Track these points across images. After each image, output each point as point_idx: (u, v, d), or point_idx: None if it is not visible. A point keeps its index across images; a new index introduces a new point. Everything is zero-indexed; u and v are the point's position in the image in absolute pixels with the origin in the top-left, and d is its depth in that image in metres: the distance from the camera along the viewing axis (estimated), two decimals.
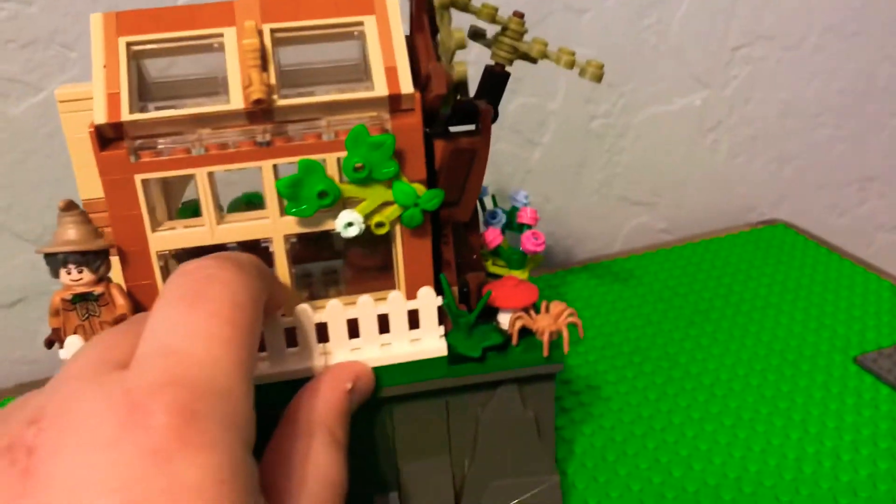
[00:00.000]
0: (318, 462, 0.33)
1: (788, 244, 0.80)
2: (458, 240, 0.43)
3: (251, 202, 0.47)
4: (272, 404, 0.37)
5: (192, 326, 0.28)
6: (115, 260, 0.38)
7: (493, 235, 0.45)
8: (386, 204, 0.39)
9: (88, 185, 0.40)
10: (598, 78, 0.40)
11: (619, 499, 0.51)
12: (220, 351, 0.28)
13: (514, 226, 0.47)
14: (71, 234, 0.36)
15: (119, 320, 0.37)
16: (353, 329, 0.41)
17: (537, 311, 0.43)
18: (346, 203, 0.39)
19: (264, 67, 0.36)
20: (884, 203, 0.97)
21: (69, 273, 0.37)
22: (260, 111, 0.37)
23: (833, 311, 0.69)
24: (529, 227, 0.47)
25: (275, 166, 0.38)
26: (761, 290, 0.72)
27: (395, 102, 0.38)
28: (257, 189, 0.46)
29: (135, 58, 0.38)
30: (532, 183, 0.79)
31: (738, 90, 0.84)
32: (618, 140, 0.81)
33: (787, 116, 0.88)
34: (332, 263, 0.46)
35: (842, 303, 0.70)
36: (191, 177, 0.38)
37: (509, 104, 0.74)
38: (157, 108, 0.39)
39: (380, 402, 0.42)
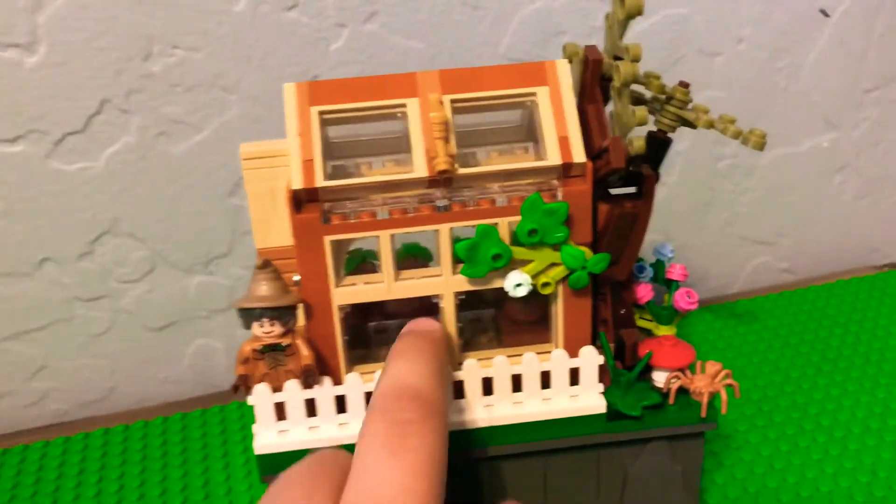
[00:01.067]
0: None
1: None
2: (614, 297, 0.44)
3: (410, 253, 0.50)
4: None
5: (394, 479, 0.30)
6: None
7: (644, 291, 0.46)
8: (553, 265, 0.41)
9: (264, 236, 0.43)
10: (761, 147, 0.41)
11: None
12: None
13: (660, 279, 0.48)
14: (265, 290, 0.39)
15: (305, 371, 0.40)
16: (514, 384, 0.43)
17: (693, 372, 0.44)
18: (514, 264, 0.41)
19: (447, 139, 0.39)
20: None
21: (262, 326, 0.40)
22: (441, 179, 0.39)
23: None
24: (678, 283, 0.47)
25: (451, 229, 0.40)
26: (891, 339, 0.71)
27: (567, 170, 0.40)
28: (412, 241, 0.49)
29: (324, 125, 0.41)
30: (655, 221, 0.79)
31: (869, 132, 0.83)
32: (743, 180, 0.81)
33: None
34: (479, 312, 0.48)
35: None
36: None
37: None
38: (335, 167, 0.42)
39: (536, 453, 0.44)
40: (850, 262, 0.88)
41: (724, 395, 0.43)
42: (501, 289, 0.41)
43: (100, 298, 0.67)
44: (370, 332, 0.47)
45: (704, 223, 0.82)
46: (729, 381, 0.43)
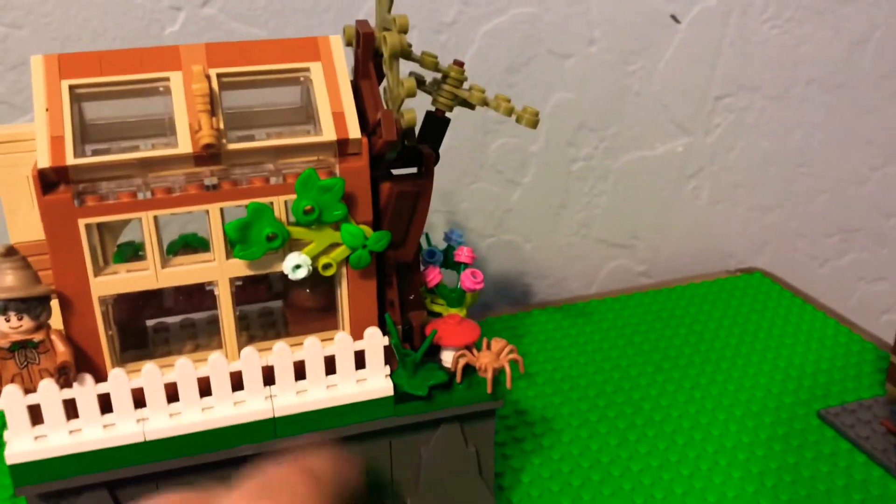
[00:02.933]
0: None
1: (764, 293, 0.80)
2: (401, 280, 0.44)
3: (188, 244, 0.47)
4: (217, 450, 0.39)
5: None
6: (54, 304, 0.38)
7: (432, 274, 0.46)
8: (333, 245, 0.40)
9: (19, 229, 0.40)
10: (534, 124, 0.42)
11: None
12: None
13: (450, 264, 0.48)
14: (10, 281, 0.35)
15: (61, 367, 0.37)
16: (299, 371, 0.41)
17: (479, 349, 0.44)
18: (293, 245, 0.39)
19: (213, 112, 0.37)
20: (866, 255, 0.97)
21: (8, 321, 0.36)
22: (208, 155, 0.37)
23: (801, 363, 0.69)
24: (467, 265, 0.47)
25: (221, 210, 0.38)
26: (732, 338, 0.73)
27: (342, 147, 0.39)
28: (191, 230, 0.47)
29: (77, 100, 0.38)
30: (512, 222, 0.80)
31: (721, 138, 0.85)
32: (598, 183, 0.82)
33: (770, 165, 0.88)
34: (268, 305, 0.46)
35: (811, 355, 0.70)
36: (128, 220, 0.38)
37: (491, 144, 0.75)
38: (95, 151, 0.39)
39: (324, 441, 0.42)
40: (707, 267, 0.90)
41: (508, 370, 0.43)
42: (287, 277, 0.40)
43: None
44: (148, 330, 0.45)
45: (561, 225, 0.82)
46: (513, 356, 0.43)
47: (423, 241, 0.49)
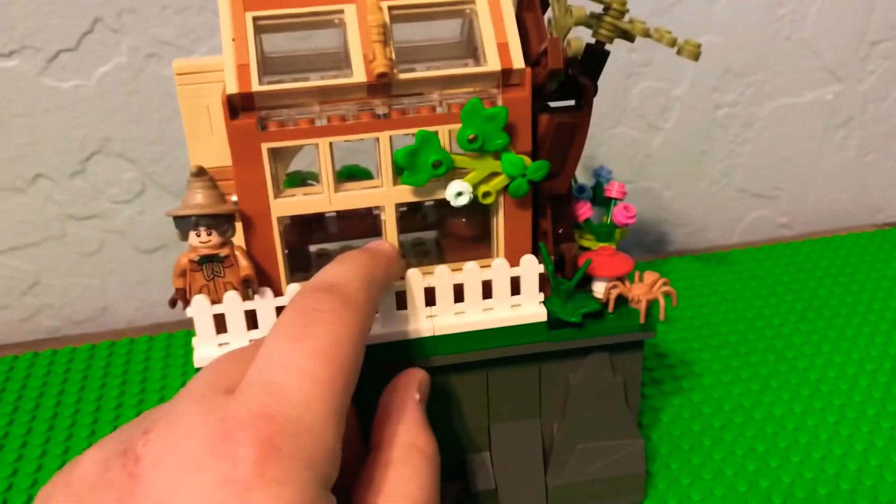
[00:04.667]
0: (411, 491, 0.34)
1: None
2: (555, 212, 0.44)
3: (352, 175, 0.48)
4: (381, 362, 0.40)
5: (292, 363, 0.30)
6: (238, 225, 0.40)
7: (583, 209, 0.46)
8: (493, 175, 0.41)
9: (200, 155, 0.42)
10: (696, 56, 0.42)
11: (700, 466, 0.52)
12: (312, 391, 0.29)
13: (600, 200, 0.48)
14: (200, 199, 0.38)
15: (244, 281, 0.39)
16: (457, 295, 0.43)
17: (631, 282, 0.44)
18: (455, 174, 0.41)
19: (386, 43, 0.38)
20: None
21: (198, 235, 0.38)
22: (380, 85, 0.39)
23: None
24: (618, 200, 0.47)
25: (390, 138, 0.40)
26: (880, 292, 0.71)
27: (506, 77, 0.40)
28: (353, 162, 0.49)
29: (259, 31, 0.39)
30: (652, 168, 0.79)
31: (875, 85, 0.81)
32: (742, 130, 0.80)
33: None
34: (421, 236, 0.48)
35: None
36: (298, 149, 0.40)
37: (634, 87, 0.75)
38: (272, 82, 0.40)
39: (478, 364, 0.44)
40: (852, 221, 0.87)
41: (662, 301, 0.43)
42: (445, 210, 0.42)
43: (91, 218, 0.69)
44: (311, 256, 0.47)
45: (702, 173, 0.81)
46: (667, 288, 0.43)
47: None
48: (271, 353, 0.31)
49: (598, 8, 0.43)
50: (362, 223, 0.45)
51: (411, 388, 0.38)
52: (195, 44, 0.64)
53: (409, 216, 0.47)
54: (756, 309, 0.69)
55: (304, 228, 0.46)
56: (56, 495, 0.29)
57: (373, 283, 0.36)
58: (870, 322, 0.66)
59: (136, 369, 0.64)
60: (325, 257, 0.45)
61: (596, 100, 0.61)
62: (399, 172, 0.40)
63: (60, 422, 0.58)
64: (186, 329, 0.68)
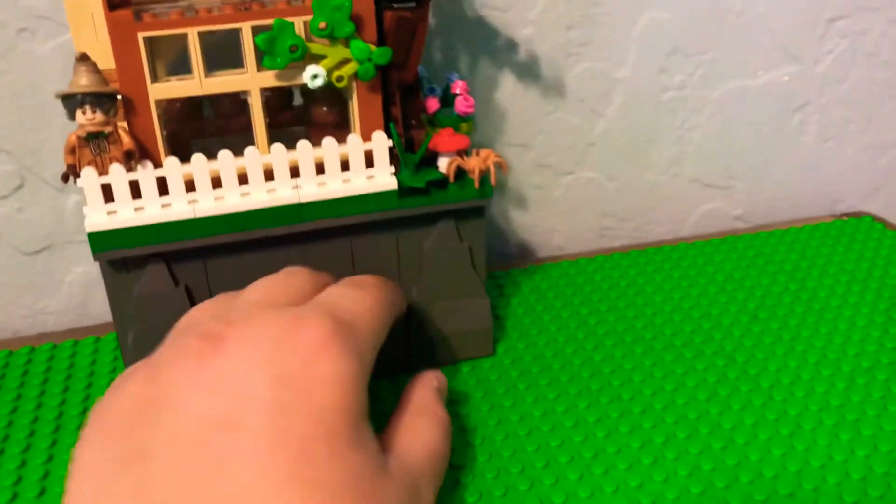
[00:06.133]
0: (424, 436, 0.42)
1: (875, 239, 0.72)
2: (405, 103, 0.51)
3: None
4: (259, 227, 0.49)
5: (348, 294, 0.42)
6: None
7: (432, 103, 0.53)
8: (345, 62, 0.48)
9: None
10: None
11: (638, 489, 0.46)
12: (364, 314, 0.40)
13: (449, 99, 0.54)
14: (85, 81, 0.44)
15: (126, 153, 0.46)
16: (319, 169, 0.50)
17: (468, 156, 0.52)
18: (311, 60, 0.47)
19: None
20: None
21: (84, 113, 0.44)
22: None
23: None
24: (458, 94, 0.54)
25: (252, 28, 0.46)
26: (838, 287, 0.65)
27: None
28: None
29: None
30: (594, 157, 0.73)
31: (833, 66, 0.76)
32: (692, 115, 0.74)
33: (888, 98, 0.79)
34: (292, 130, 0.53)
35: None
36: (179, 44, 0.46)
37: (572, 69, 0.69)
38: None
39: (342, 230, 0.51)
40: (812, 212, 0.82)
41: (493, 170, 0.51)
42: (309, 101, 0.51)
43: None
44: (192, 146, 0.51)
45: (648, 162, 0.75)
46: (497, 159, 0.51)
47: (424, 78, 0.56)
48: (338, 290, 0.42)
49: None
50: (237, 119, 0.51)
51: (431, 379, 0.47)
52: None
53: (280, 111, 0.53)
54: (703, 308, 0.63)
55: (181, 121, 0.51)
56: (136, 370, 0.37)
57: (384, 307, 0.45)
58: (826, 320, 0.61)
59: (9, 386, 0.57)
60: (204, 150, 0.49)
61: (532, 82, 0.68)
62: (261, 58, 0.47)
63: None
64: (75, 339, 0.61)
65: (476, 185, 0.52)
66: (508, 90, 0.68)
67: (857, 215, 0.76)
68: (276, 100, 0.52)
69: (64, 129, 0.60)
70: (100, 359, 0.60)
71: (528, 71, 0.68)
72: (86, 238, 0.62)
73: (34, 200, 0.62)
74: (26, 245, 0.63)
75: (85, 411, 0.54)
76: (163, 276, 0.50)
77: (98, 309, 0.67)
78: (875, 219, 0.75)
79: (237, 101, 0.50)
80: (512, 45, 0.67)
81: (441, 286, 0.55)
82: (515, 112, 0.69)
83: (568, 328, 0.61)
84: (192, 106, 0.51)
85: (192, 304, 0.50)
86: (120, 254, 0.48)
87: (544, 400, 0.54)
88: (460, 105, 0.53)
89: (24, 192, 0.62)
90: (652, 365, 0.57)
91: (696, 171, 0.77)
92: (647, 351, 0.58)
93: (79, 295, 0.66)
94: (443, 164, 0.52)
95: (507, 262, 0.72)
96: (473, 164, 0.52)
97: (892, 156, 0.82)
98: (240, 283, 0.45)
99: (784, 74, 0.75)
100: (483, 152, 0.52)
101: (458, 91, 0.54)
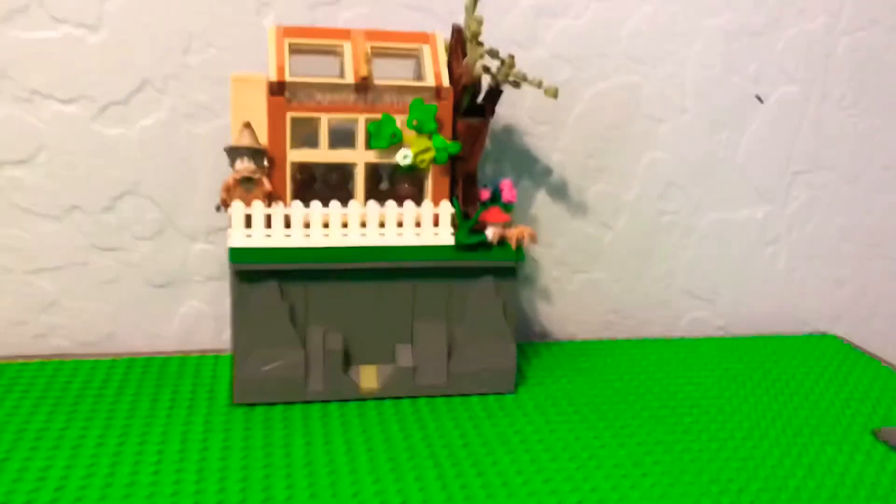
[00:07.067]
0: None
1: (833, 350, 0.87)
2: (465, 186, 0.72)
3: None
4: (347, 262, 0.67)
5: None
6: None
7: (485, 193, 0.73)
8: (427, 150, 0.68)
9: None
10: (554, 94, 0.71)
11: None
12: None
13: (496, 196, 0.73)
14: (246, 140, 0.65)
15: (267, 196, 0.66)
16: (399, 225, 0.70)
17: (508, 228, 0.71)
18: (402, 146, 0.68)
19: (369, 62, 0.68)
20: None
21: (242, 162, 0.65)
22: (362, 85, 0.68)
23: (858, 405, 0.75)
24: (509, 204, 0.73)
25: (366, 119, 0.68)
26: (797, 396, 0.77)
27: (438, 91, 0.69)
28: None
29: (291, 51, 0.69)
30: (603, 261, 0.91)
31: (799, 210, 0.95)
32: (683, 237, 0.92)
33: (844, 241, 0.97)
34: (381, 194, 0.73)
35: (869, 402, 0.76)
36: (313, 124, 0.67)
37: (590, 189, 0.88)
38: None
39: (409, 272, 0.69)
40: (782, 329, 0.98)
41: (526, 240, 0.70)
42: (393, 176, 0.72)
43: (113, 250, 0.79)
44: (307, 195, 0.70)
45: (647, 271, 0.93)
46: (531, 232, 0.70)
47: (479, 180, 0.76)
48: None
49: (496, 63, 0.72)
50: (339, 191, 0.71)
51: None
52: (225, 110, 0.77)
53: (373, 188, 0.72)
54: (684, 395, 0.78)
55: (307, 178, 0.71)
56: None
57: None
58: (780, 422, 0.75)
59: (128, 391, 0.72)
60: (315, 196, 0.70)
61: (557, 196, 0.94)
62: (368, 141, 0.68)
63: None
64: (184, 354, 0.78)
65: (514, 247, 0.70)
66: (539, 199, 0.87)
67: (824, 335, 0.92)
68: (370, 181, 0.71)
69: (203, 193, 0.79)
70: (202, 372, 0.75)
71: (556, 186, 0.87)
72: (202, 278, 0.81)
73: (169, 244, 0.80)
74: (155, 279, 0.81)
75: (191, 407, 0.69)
76: (275, 291, 0.67)
77: (201, 338, 0.83)
78: (839, 338, 0.91)
79: (342, 176, 0.70)
80: (544, 166, 0.86)
81: (479, 329, 0.71)
82: (544, 218, 0.88)
83: (574, 385, 0.76)
84: (310, 175, 0.71)
85: (293, 318, 0.67)
86: (248, 266, 0.65)
87: (549, 435, 0.67)
88: (506, 193, 0.73)
89: (163, 237, 0.80)
90: (641, 433, 0.68)
91: (686, 283, 0.94)
92: (636, 424, 0.70)
93: (188, 325, 0.83)
94: (489, 232, 0.71)
95: (529, 339, 0.89)
96: (512, 233, 0.70)
97: (851, 289, 0.99)
98: (330, 306, 0.67)
99: (758, 212, 0.94)
100: (520, 227, 0.71)
101: (503, 188, 0.73)
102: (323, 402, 0.70)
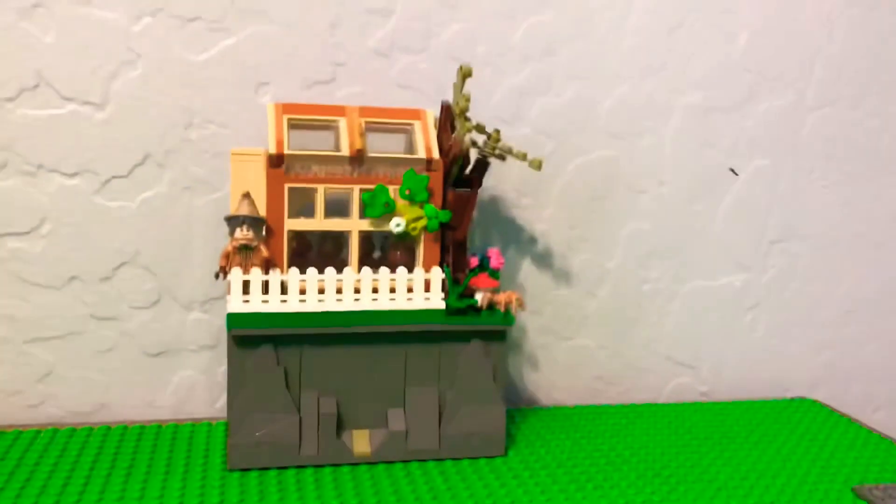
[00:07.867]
0: None
1: (813, 414, 0.90)
2: (455, 253, 0.75)
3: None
4: (342, 326, 0.70)
5: None
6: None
7: (474, 260, 0.76)
8: (418, 218, 0.72)
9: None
10: (538, 166, 0.73)
11: None
12: None
13: (485, 264, 0.76)
14: (246, 209, 0.68)
15: (265, 263, 0.69)
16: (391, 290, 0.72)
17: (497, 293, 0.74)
18: (395, 214, 0.71)
19: (363, 135, 0.72)
20: None
21: (241, 230, 0.68)
22: (357, 157, 0.71)
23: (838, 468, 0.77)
24: (497, 270, 0.76)
25: (361, 190, 0.71)
26: (777, 459, 0.79)
27: (429, 163, 0.73)
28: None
29: (290, 126, 0.72)
30: (588, 329, 0.93)
31: (775, 278, 0.98)
32: (665, 304, 0.95)
33: (821, 309, 1.00)
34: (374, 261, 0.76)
35: (849, 461, 0.78)
36: (309, 194, 0.71)
37: (574, 258, 0.91)
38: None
39: (401, 337, 0.71)
40: (763, 394, 1.00)
41: (514, 305, 0.73)
42: (386, 244, 0.74)
43: (110, 319, 0.81)
44: (306, 264, 0.72)
45: (631, 338, 0.95)
46: (518, 297, 0.73)
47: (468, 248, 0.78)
48: None
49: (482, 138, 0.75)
50: (333, 259, 0.73)
51: None
52: (224, 183, 0.80)
53: (366, 256, 0.75)
54: (669, 457, 0.78)
55: (300, 246, 0.74)
56: None
57: None
58: (762, 483, 0.77)
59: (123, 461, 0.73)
60: (310, 264, 0.72)
61: (543, 265, 0.94)
62: (362, 210, 0.71)
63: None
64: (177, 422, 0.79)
65: (503, 310, 0.73)
66: (525, 268, 0.90)
67: (804, 399, 0.95)
68: (363, 249, 0.74)
69: (199, 263, 0.81)
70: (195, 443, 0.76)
71: (541, 255, 0.90)
72: (196, 347, 0.83)
73: (165, 313, 0.82)
74: (150, 348, 0.83)
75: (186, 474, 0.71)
76: (271, 356, 0.69)
77: (193, 408, 0.85)
78: (818, 402, 0.93)
79: (336, 245, 0.73)
80: (530, 235, 0.90)
81: (469, 393, 0.73)
82: (530, 286, 0.91)
83: (562, 449, 0.78)
84: (306, 243, 0.74)
85: (287, 384, 0.69)
86: (244, 332, 0.68)
87: (539, 496, 0.69)
88: (494, 261, 0.76)
89: (159, 307, 0.82)
90: (629, 494, 0.70)
91: (669, 349, 0.96)
92: (625, 485, 0.72)
93: (181, 394, 0.84)
94: (479, 297, 0.74)
95: (517, 405, 0.90)
96: (501, 298, 0.73)
97: (827, 356, 1.02)
98: (324, 371, 0.69)
99: (737, 280, 0.97)
100: (508, 292, 0.74)
101: (491, 256, 0.76)
102: (316, 466, 0.71)
